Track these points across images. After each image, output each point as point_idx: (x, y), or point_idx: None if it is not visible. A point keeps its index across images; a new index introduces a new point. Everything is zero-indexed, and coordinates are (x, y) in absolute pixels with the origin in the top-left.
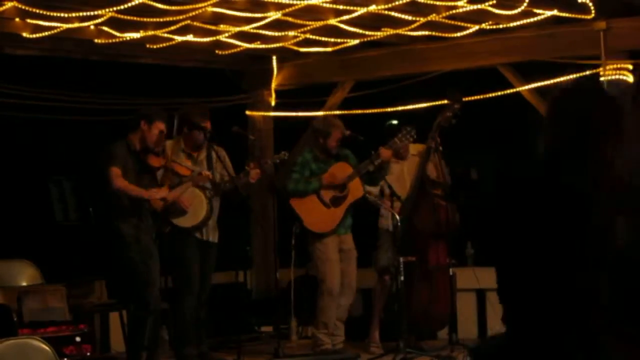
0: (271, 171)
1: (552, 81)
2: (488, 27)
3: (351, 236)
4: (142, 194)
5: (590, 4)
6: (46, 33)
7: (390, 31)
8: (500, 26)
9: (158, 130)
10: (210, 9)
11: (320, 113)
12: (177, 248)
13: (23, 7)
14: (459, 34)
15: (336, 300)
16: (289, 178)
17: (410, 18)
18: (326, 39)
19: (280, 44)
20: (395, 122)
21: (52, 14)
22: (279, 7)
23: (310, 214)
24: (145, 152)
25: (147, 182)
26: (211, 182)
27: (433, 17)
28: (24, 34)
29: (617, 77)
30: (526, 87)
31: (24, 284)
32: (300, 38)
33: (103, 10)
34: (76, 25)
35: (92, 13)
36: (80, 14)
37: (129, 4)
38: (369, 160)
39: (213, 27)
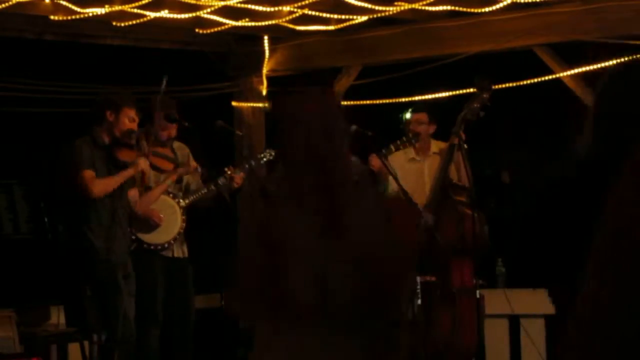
0: (261, 173)
1: (599, 65)
2: (523, 0)
3: None
4: (124, 175)
5: None
6: None
7: (405, 6)
8: (538, 0)
9: (127, 118)
10: None
11: None
12: (142, 270)
13: None
14: (487, 9)
15: None
16: None
17: None
18: (328, 15)
19: (273, 21)
20: (409, 115)
21: None
22: None
23: None
24: (115, 146)
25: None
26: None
27: None
28: None
29: None
30: (568, 72)
31: None
32: (297, 14)
33: None
34: None
35: None
36: None
37: None
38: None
39: (192, 1)
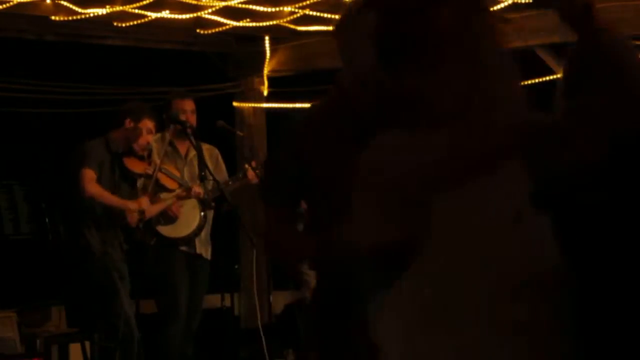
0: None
1: None
2: (523, 0)
3: None
4: (119, 204)
5: None
6: None
7: None
8: None
9: (146, 130)
10: None
11: None
12: (163, 264)
13: None
14: None
15: None
16: None
17: None
18: (329, 15)
19: (274, 22)
20: None
21: None
22: None
23: None
24: (126, 155)
25: (125, 191)
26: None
27: None
28: None
29: None
30: None
31: None
32: (299, 14)
33: None
34: None
35: None
36: None
37: None
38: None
39: (193, 1)
